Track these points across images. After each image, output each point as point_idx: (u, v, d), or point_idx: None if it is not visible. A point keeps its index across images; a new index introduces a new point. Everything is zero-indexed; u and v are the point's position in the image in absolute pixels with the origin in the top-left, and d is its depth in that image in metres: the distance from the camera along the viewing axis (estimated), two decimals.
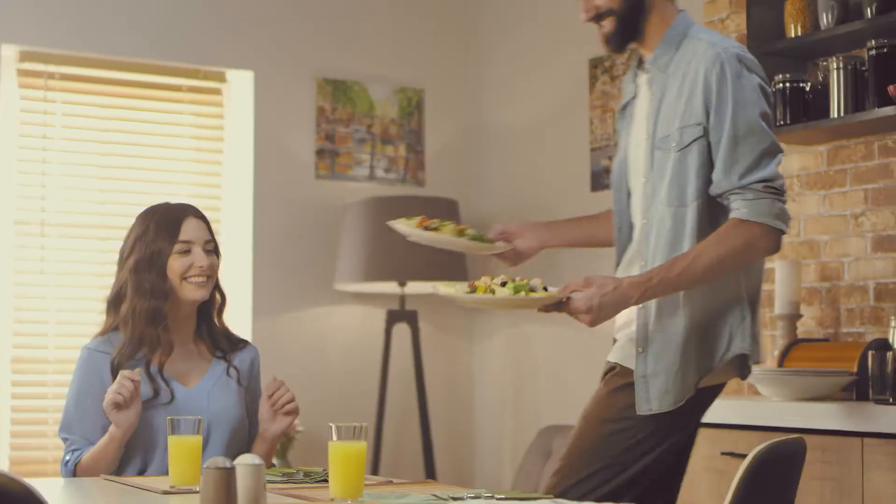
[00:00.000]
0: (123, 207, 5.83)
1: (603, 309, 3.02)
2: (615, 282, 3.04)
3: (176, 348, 3.44)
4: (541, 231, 3.51)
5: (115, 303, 3.46)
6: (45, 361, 5.65)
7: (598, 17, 3.26)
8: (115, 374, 3.31)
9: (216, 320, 3.54)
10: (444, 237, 3.34)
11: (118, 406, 3.19)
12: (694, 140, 3.13)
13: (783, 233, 3.12)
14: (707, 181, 3.13)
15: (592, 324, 3.05)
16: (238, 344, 3.56)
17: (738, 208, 3.08)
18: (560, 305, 3.04)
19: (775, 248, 3.13)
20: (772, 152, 3.13)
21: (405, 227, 3.40)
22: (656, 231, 3.16)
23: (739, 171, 3.08)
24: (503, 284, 3.05)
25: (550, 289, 3.10)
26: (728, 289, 3.17)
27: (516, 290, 3.03)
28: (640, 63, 3.36)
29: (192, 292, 3.41)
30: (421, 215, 3.45)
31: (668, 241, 3.14)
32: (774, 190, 3.10)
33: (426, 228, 3.36)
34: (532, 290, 3.06)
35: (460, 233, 3.34)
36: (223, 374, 3.46)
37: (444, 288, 3.15)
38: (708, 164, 3.13)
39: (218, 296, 3.53)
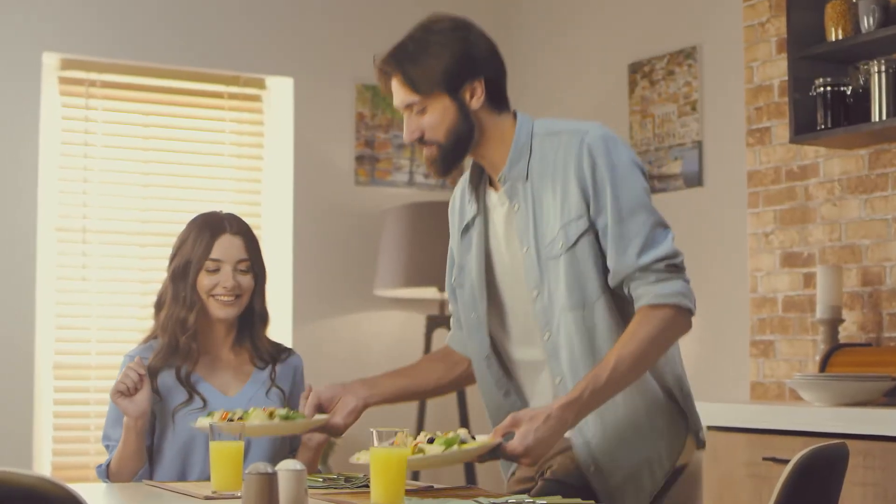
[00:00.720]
0: (164, 214, 5.88)
1: (540, 443, 2.75)
2: (545, 411, 2.77)
3: (214, 359, 3.47)
4: (359, 389, 3.19)
5: (157, 308, 3.50)
6: (88, 367, 5.68)
7: (421, 141, 3.01)
8: (151, 380, 3.35)
9: (258, 336, 3.51)
10: (252, 424, 3.01)
11: (122, 394, 3.23)
12: (581, 234, 2.90)
13: (692, 313, 2.90)
14: (605, 274, 2.92)
15: (534, 463, 2.81)
16: (280, 355, 3.54)
17: (643, 294, 2.87)
18: (495, 453, 2.79)
19: (688, 327, 2.91)
20: (663, 225, 2.92)
21: (206, 423, 3.03)
22: (566, 341, 2.93)
23: (635, 251, 2.87)
24: (430, 441, 2.77)
25: (479, 437, 2.83)
26: (672, 368, 3.01)
27: (448, 445, 2.74)
28: (481, 179, 3.13)
29: (217, 310, 3.42)
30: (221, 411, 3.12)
31: (582, 348, 2.91)
32: (675, 267, 2.88)
33: (230, 420, 3.03)
34: (462, 442, 2.78)
35: (270, 415, 3.04)
36: (263, 385, 3.46)
37: (366, 455, 2.81)
38: (601, 256, 2.92)
39: (257, 316, 3.51)
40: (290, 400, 3.50)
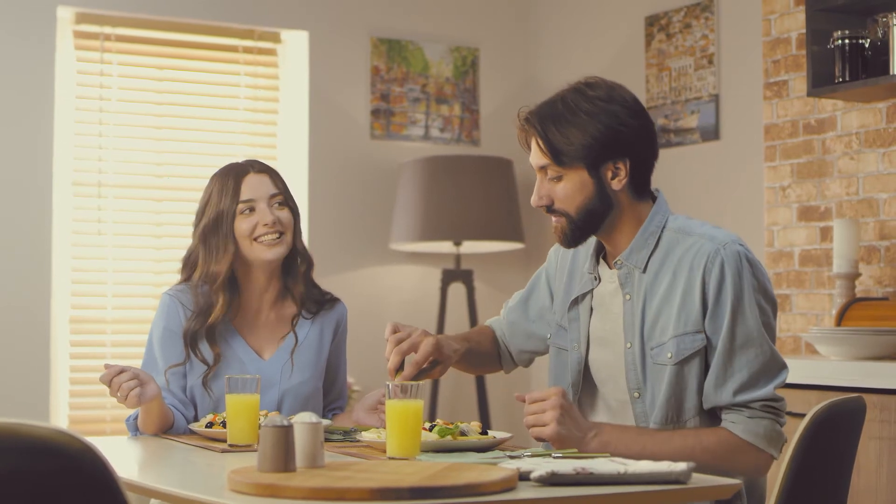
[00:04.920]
0: (179, 168, 5.88)
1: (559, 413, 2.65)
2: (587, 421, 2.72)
3: (255, 316, 3.40)
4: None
5: (187, 266, 3.41)
6: (103, 321, 5.70)
7: (550, 211, 2.86)
8: (186, 343, 3.32)
9: (304, 280, 3.41)
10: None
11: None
12: (694, 352, 2.76)
13: (774, 458, 2.75)
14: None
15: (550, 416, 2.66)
16: (324, 305, 3.47)
17: (735, 422, 2.73)
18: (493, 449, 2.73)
19: (761, 472, 2.77)
20: (771, 370, 2.75)
21: (196, 428, 3.12)
22: None
23: (734, 387, 2.73)
24: (431, 429, 2.76)
25: (492, 433, 2.83)
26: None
27: (442, 434, 2.73)
28: (603, 253, 2.96)
29: (264, 252, 3.31)
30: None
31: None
32: (773, 409, 2.74)
33: (209, 425, 3.11)
34: (463, 433, 2.76)
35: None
36: (299, 347, 3.39)
37: (368, 435, 2.87)
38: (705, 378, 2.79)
39: (300, 259, 3.40)
40: (332, 353, 3.48)
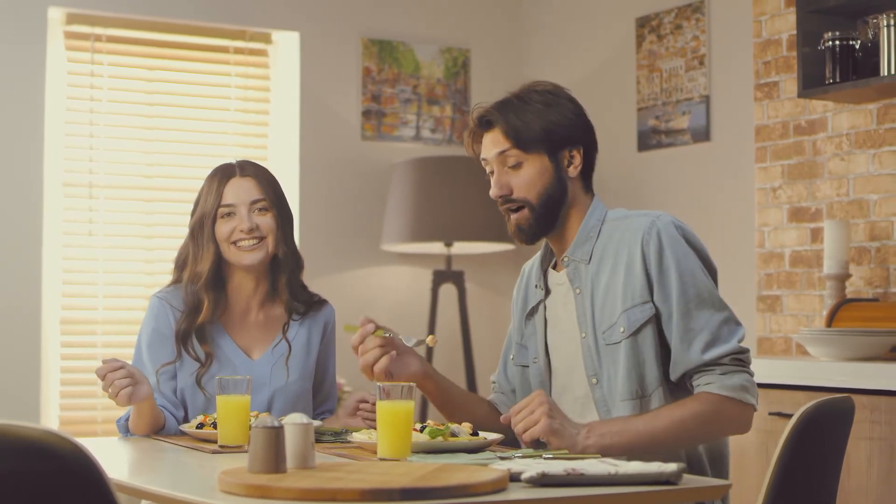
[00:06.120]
0: (170, 169, 5.88)
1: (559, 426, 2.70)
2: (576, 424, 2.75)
3: (243, 316, 3.40)
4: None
5: (179, 267, 3.41)
6: (94, 322, 5.69)
7: (507, 202, 2.91)
8: (179, 342, 3.32)
9: (289, 282, 3.41)
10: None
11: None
12: (646, 321, 2.80)
13: (755, 409, 2.81)
14: (665, 365, 2.83)
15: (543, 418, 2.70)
16: (312, 306, 3.47)
17: (708, 382, 2.77)
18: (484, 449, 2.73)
19: (746, 426, 2.82)
20: (729, 324, 2.81)
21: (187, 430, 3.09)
22: None
23: (700, 346, 2.78)
24: (422, 429, 2.75)
25: (483, 433, 2.84)
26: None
27: (432, 435, 2.72)
28: (550, 260, 3.03)
29: (241, 257, 3.32)
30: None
31: None
32: (741, 362, 2.79)
33: (200, 426, 3.07)
34: (454, 434, 2.76)
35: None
36: (283, 355, 3.38)
37: (359, 436, 2.87)
38: (662, 346, 2.82)
39: (287, 258, 3.39)
40: (321, 354, 3.47)
